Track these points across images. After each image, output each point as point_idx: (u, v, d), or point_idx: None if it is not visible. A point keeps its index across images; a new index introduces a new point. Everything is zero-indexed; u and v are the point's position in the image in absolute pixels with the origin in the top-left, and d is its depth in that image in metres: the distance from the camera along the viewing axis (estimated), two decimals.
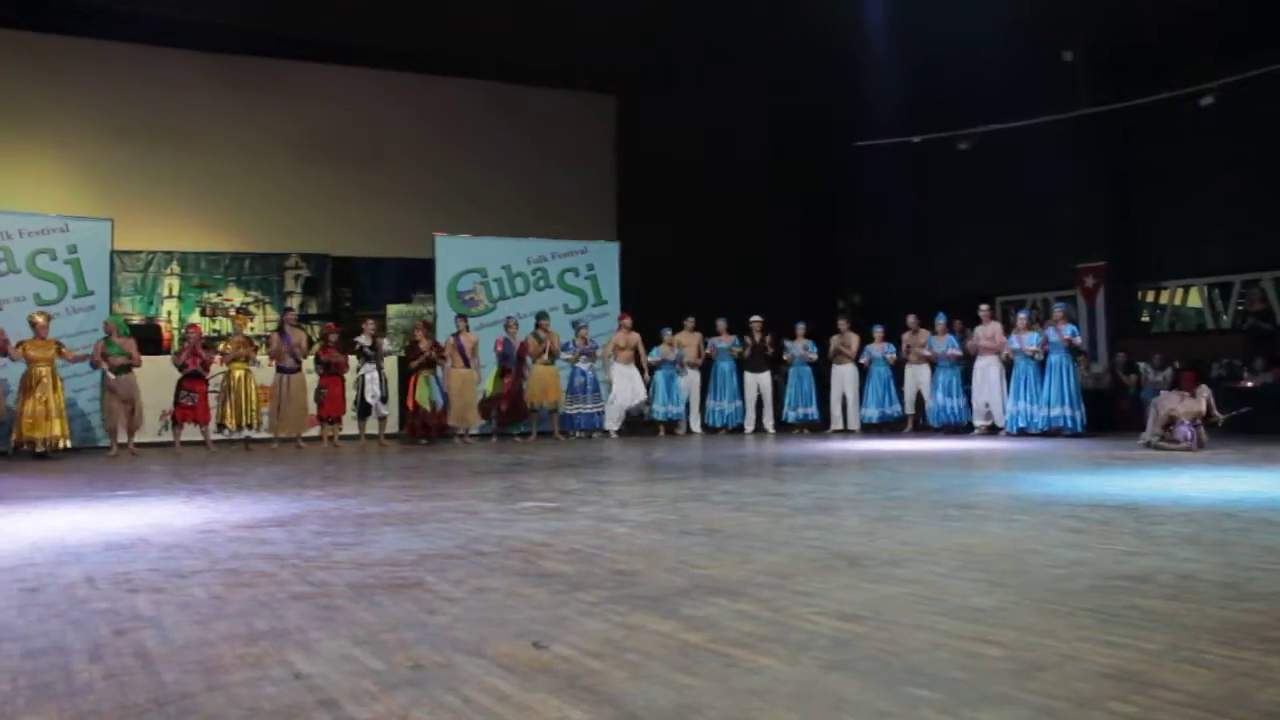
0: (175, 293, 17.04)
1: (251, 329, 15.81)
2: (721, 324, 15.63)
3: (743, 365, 15.50)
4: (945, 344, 14.43)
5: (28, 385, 11.87)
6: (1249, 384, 13.91)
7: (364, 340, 13.88)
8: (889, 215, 19.65)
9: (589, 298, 16.37)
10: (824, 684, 2.73)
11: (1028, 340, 13.42)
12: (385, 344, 14.23)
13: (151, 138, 16.65)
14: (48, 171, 16.38)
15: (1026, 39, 16.05)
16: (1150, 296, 17.78)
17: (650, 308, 15.43)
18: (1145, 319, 17.92)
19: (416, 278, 17.54)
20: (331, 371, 13.47)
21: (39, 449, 11.84)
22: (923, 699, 2.58)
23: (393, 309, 18.36)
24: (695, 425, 15.56)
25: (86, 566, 4.66)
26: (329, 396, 13.40)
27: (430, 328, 14.50)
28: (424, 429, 13.65)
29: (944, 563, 4.44)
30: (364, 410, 13.63)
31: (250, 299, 17.30)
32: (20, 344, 11.96)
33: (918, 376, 14.85)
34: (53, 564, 4.75)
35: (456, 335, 14.20)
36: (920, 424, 14.90)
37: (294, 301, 17.32)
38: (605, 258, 16.67)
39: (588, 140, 20.17)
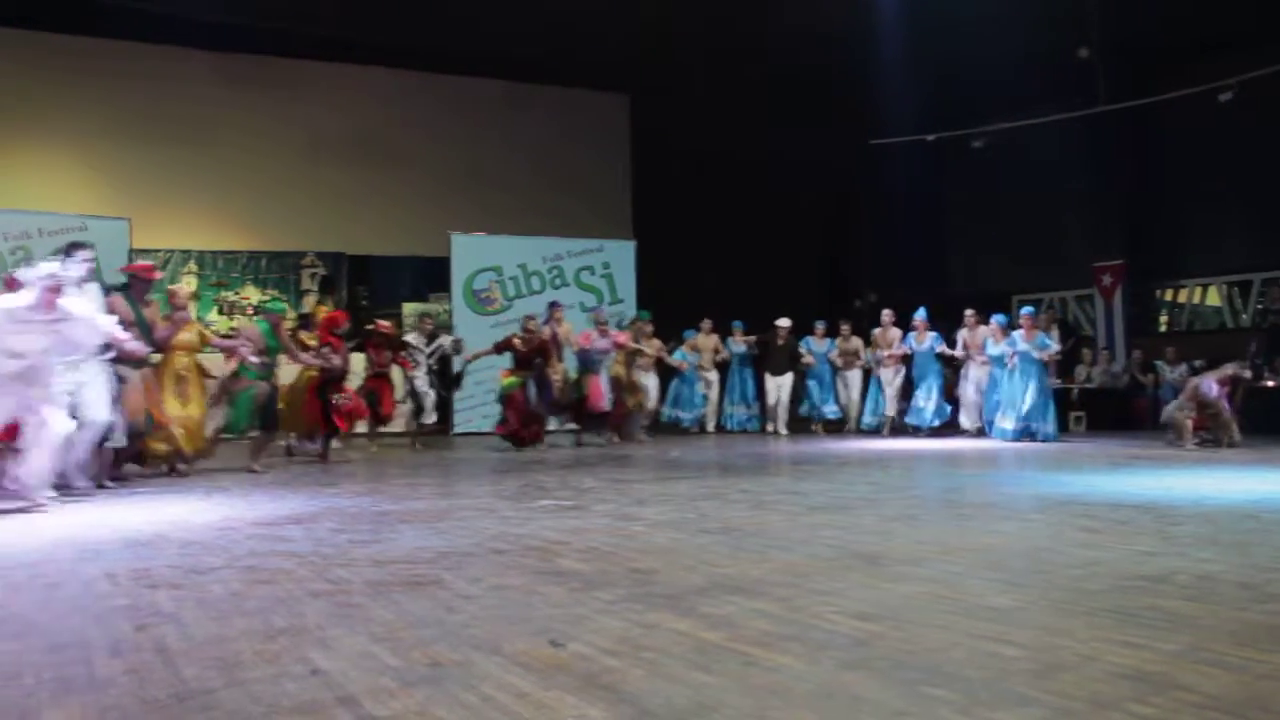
0: (193, 291, 17.12)
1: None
2: (739, 328, 15.48)
3: (762, 367, 15.35)
4: (929, 342, 13.82)
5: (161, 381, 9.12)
6: (1270, 384, 13.83)
7: (416, 339, 13.07)
8: (905, 214, 19.60)
9: (605, 296, 16.38)
10: (841, 683, 2.73)
11: (1007, 343, 12.91)
12: (450, 342, 13.37)
13: (169, 137, 16.71)
14: (66, 171, 16.47)
15: (1043, 36, 15.98)
16: (1169, 295, 17.70)
17: (666, 306, 15.43)
18: (1164, 318, 17.84)
19: (433, 276, 17.57)
20: (379, 372, 12.20)
21: (179, 467, 9.27)
22: (940, 698, 2.57)
23: (409, 307, 18.41)
24: (710, 425, 15.47)
25: (107, 563, 4.69)
26: (383, 397, 12.09)
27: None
28: (526, 433, 12.20)
29: (961, 562, 4.43)
30: (417, 409, 12.87)
31: (267, 297, 17.36)
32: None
33: (886, 377, 14.31)
34: (74, 560, 4.79)
35: (549, 324, 12.76)
36: (895, 425, 14.32)
37: (310, 300, 17.37)
38: (621, 256, 16.69)
39: (603, 138, 20.17)
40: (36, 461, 6.83)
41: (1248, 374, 11.57)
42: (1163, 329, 17.63)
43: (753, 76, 18.15)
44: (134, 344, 7.95)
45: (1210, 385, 11.23)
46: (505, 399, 12.31)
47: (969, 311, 13.67)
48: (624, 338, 13.58)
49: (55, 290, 6.91)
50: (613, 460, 10.38)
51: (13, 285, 7.70)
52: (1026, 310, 13.44)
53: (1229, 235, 16.45)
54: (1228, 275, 16.72)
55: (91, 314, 7.36)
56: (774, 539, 5.14)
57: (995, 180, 18.63)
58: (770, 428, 15.14)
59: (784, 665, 2.89)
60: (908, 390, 14.37)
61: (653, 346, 14.15)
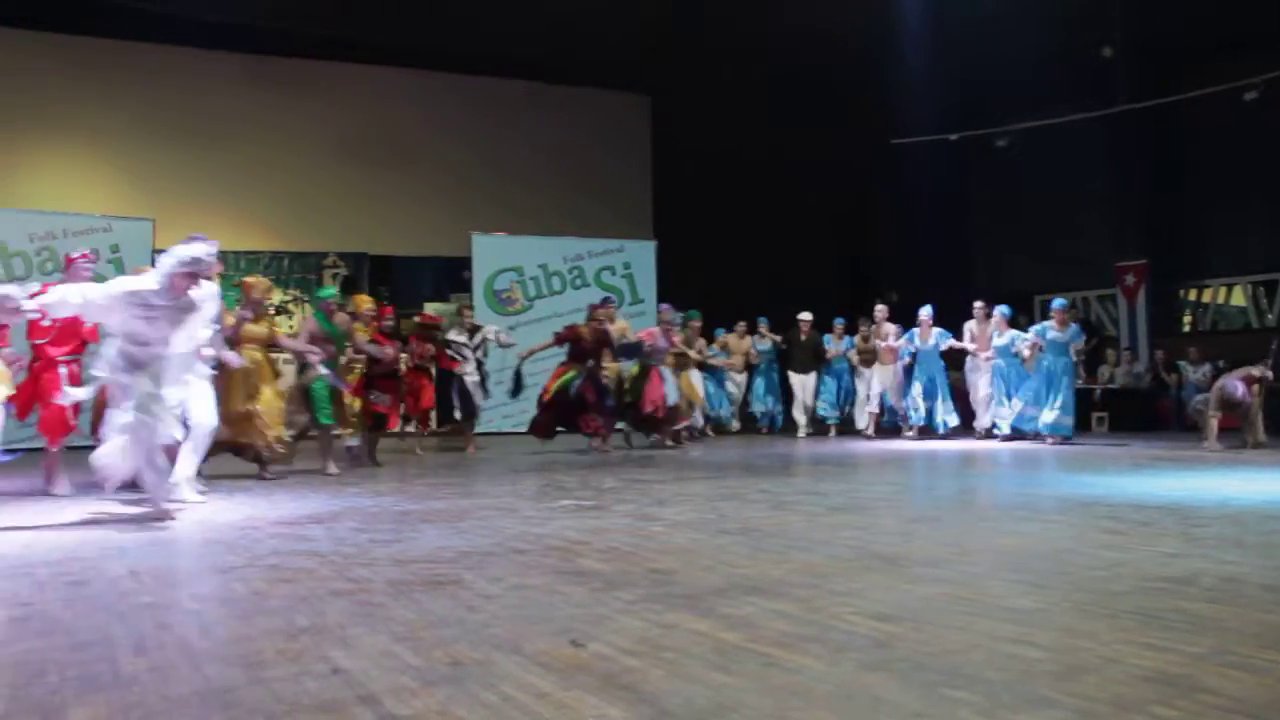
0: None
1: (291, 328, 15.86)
2: (764, 325, 15.37)
3: (785, 364, 15.15)
4: (934, 339, 13.34)
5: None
6: None
7: (458, 335, 12.27)
8: (927, 214, 19.53)
9: (626, 296, 16.38)
10: (861, 684, 2.72)
11: (1035, 332, 12.57)
12: (503, 336, 12.59)
13: (192, 139, 16.83)
14: (91, 172, 16.60)
15: (1065, 35, 15.90)
16: (1193, 295, 17.58)
17: (687, 306, 15.41)
18: (1187, 317, 17.72)
19: (455, 277, 17.61)
20: (418, 365, 11.66)
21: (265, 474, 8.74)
22: (961, 700, 2.57)
23: (430, 307, 18.46)
24: (735, 424, 15.37)
25: (130, 561, 4.72)
26: (422, 394, 11.65)
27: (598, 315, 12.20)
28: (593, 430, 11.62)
29: (982, 563, 4.42)
30: (468, 410, 12.09)
31: (289, 297, 17.44)
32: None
33: (878, 376, 13.86)
34: (97, 558, 4.82)
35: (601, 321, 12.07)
36: (881, 426, 13.95)
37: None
38: (642, 256, 16.69)
39: (624, 139, 20.19)
40: (180, 462, 6.56)
41: (1270, 375, 11.46)
42: (1186, 329, 17.52)
43: (774, 76, 18.14)
44: (230, 354, 7.83)
45: (1236, 384, 11.16)
46: (559, 393, 11.48)
47: (978, 304, 13.39)
48: (678, 339, 13.28)
49: (189, 276, 6.35)
50: (633, 461, 10.37)
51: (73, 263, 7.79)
52: (1058, 303, 12.91)
53: (1253, 235, 16.33)
54: (1252, 275, 16.60)
55: (218, 310, 6.94)
56: (793, 539, 5.13)
57: (1017, 180, 18.55)
58: (801, 431, 14.73)
59: (804, 666, 2.88)
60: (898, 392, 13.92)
61: (696, 348, 13.99)
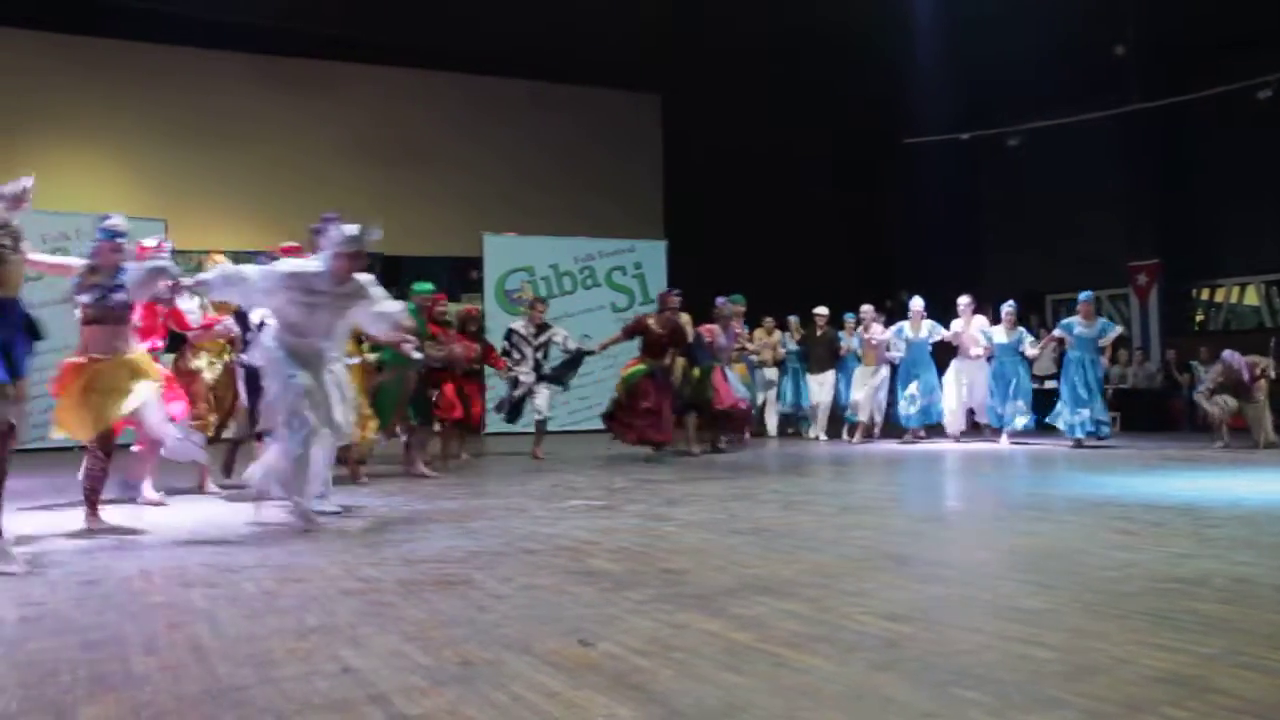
0: None
1: None
2: (794, 322, 14.67)
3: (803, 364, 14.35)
4: (925, 333, 12.64)
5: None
6: None
7: (523, 328, 10.97)
8: (938, 213, 19.48)
9: (636, 296, 16.38)
10: (872, 684, 2.72)
11: (1061, 328, 12.04)
12: (570, 341, 10.99)
13: (204, 139, 16.87)
14: (102, 173, 16.65)
15: (1078, 34, 15.85)
16: (1205, 294, 17.51)
17: (699, 307, 15.39)
18: (1199, 316, 17.65)
19: (466, 277, 17.62)
20: (469, 369, 10.24)
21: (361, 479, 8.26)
22: (971, 700, 2.56)
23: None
24: (773, 428, 14.58)
25: (142, 561, 4.74)
26: (474, 397, 10.27)
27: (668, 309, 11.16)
28: (656, 433, 10.57)
29: (993, 564, 4.41)
30: (515, 413, 10.91)
31: None
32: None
33: (864, 376, 13.05)
34: (110, 557, 4.84)
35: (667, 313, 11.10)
36: (869, 429, 13.11)
37: None
38: (653, 256, 16.68)
39: (635, 138, 20.19)
40: (275, 461, 5.76)
41: (1273, 373, 11.40)
42: (1197, 328, 17.45)
43: (784, 75, 18.11)
44: (409, 345, 7.40)
45: (1236, 355, 11.19)
46: (632, 390, 10.51)
47: (963, 300, 12.69)
48: (740, 331, 12.54)
49: (352, 258, 5.85)
50: (643, 461, 10.35)
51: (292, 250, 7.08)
52: (1085, 295, 12.18)
53: (1267, 234, 16.25)
54: (1266, 274, 16.52)
55: (384, 296, 6.30)
56: (804, 540, 5.12)
57: (1029, 179, 18.49)
58: (817, 431, 13.88)
59: (814, 666, 2.88)
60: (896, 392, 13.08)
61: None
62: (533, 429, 11.03)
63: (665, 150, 20.43)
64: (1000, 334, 12.41)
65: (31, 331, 4.75)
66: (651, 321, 10.86)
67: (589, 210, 18.32)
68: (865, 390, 12.95)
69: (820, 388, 13.90)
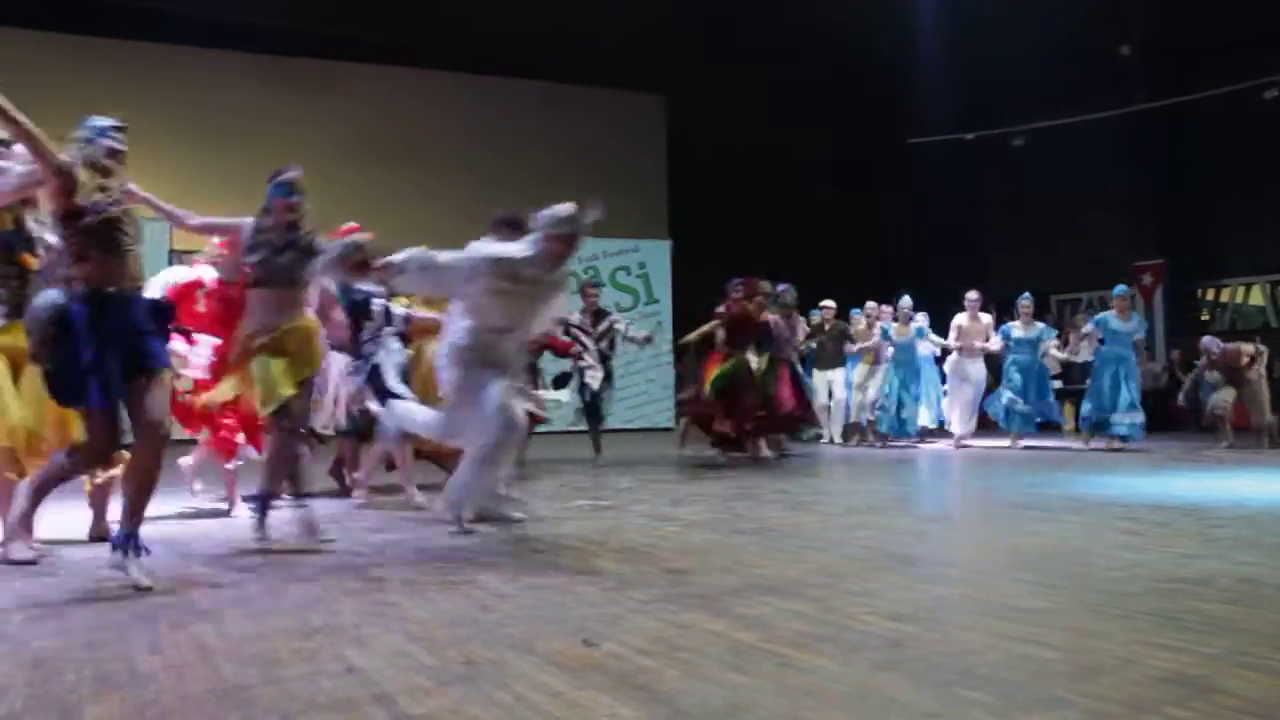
0: None
1: None
2: (830, 306, 13.30)
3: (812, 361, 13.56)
4: (912, 333, 12.22)
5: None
6: None
7: (580, 319, 10.19)
8: (942, 213, 19.48)
9: (641, 296, 16.39)
10: (876, 684, 2.71)
11: (1093, 323, 11.60)
12: (631, 329, 10.29)
13: (205, 138, 16.87)
14: None
15: (1083, 34, 15.85)
16: (1210, 294, 17.48)
17: (703, 307, 15.37)
18: (1205, 316, 17.62)
19: None
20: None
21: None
22: (975, 701, 2.56)
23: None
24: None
25: (148, 560, 4.73)
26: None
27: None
28: (745, 434, 9.98)
29: (997, 564, 4.40)
30: (593, 412, 10.21)
31: None
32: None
33: (855, 379, 12.56)
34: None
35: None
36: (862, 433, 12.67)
37: None
38: (657, 256, 16.69)
39: (639, 138, 20.18)
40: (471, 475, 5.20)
41: (1266, 357, 11.41)
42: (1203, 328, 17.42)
43: (789, 75, 18.12)
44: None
45: (1215, 341, 11.38)
46: (725, 387, 9.70)
47: (971, 295, 12.22)
48: (803, 326, 11.85)
49: (566, 242, 5.24)
50: (647, 461, 10.32)
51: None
52: (1120, 289, 11.68)
53: (1271, 234, 16.24)
54: (1271, 274, 16.50)
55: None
56: (809, 539, 5.12)
57: (1033, 179, 18.48)
58: (827, 435, 13.08)
59: (818, 666, 2.88)
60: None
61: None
62: (586, 428, 10.32)
63: (669, 150, 20.42)
64: (1018, 329, 11.90)
65: (162, 318, 4.40)
66: (752, 309, 10.00)
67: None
68: (870, 390, 12.49)
69: (828, 385, 13.03)
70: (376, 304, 7.05)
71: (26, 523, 4.63)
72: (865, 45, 16.61)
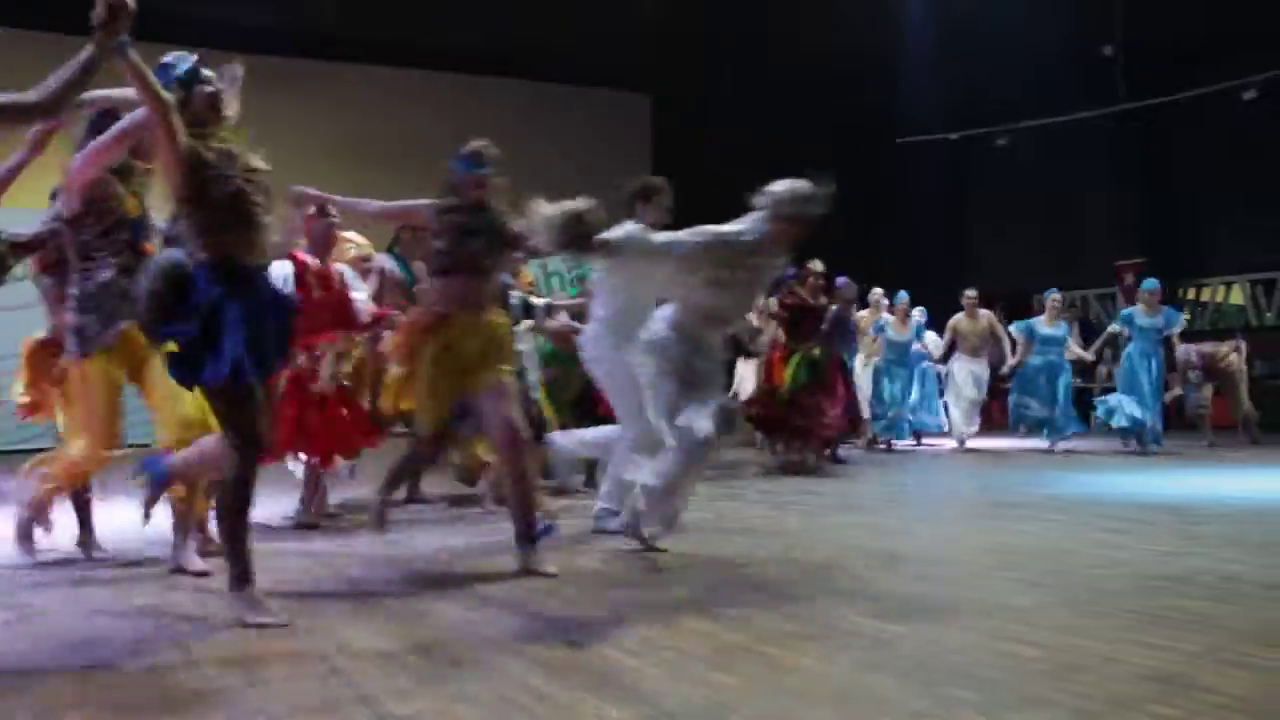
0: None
1: None
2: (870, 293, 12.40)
3: None
4: (911, 331, 11.55)
5: None
6: None
7: None
8: (926, 213, 19.52)
9: None
10: (861, 683, 2.72)
11: (1121, 319, 10.94)
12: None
13: None
14: None
15: (1066, 35, 15.91)
16: (1191, 294, 17.57)
17: None
18: (1186, 315, 17.70)
19: None
20: None
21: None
22: (961, 699, 2.57)
23: None
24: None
25: (129, 562, 4.71)
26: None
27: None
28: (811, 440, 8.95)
29: (982, 562, 4.42)
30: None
31: None
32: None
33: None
34: (95, 560, 4.81)
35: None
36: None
37: None
38: None
39: (625, 139, 20.18)
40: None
41: (1243, 351, 11.47)
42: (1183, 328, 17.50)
43: (775, 76, 18.13)
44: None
45: (1190, 349, 11.38)
46: (807, 381, 8.72)
47: (969, 293, 11.69)
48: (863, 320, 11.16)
49: (798, 224, 4.65)
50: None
51: None
52: (1151, 283, 11.05)
53: (1251, 234, 16.32)
54: (1251, 274, 16.60)
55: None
56: (793, 539, 5.13)
57: (1017, 179, 18.54)
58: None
59: (804, 665, 2.88)
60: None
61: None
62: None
63: (655, 151, 20.43)
64: (1044, 325, 11.14)
65: (282, 310, 3.69)
66: (805, 293, 9.08)
67: None
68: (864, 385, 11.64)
69: None
70: (514, 296, 6.26)
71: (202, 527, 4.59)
72: (851, 46, 16.63)
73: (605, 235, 4.39)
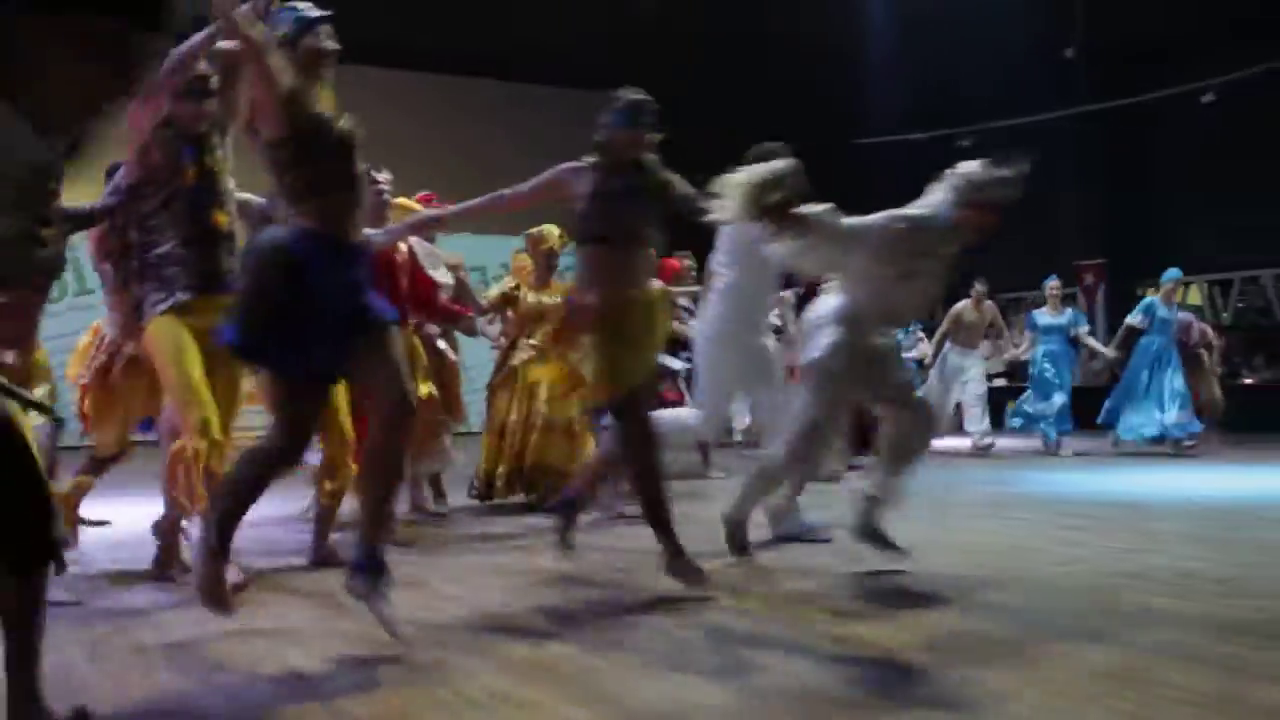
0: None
1: None
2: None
3: None
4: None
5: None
6: (1249, 381, 13.92)
7: (687, 302, 8.53)
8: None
9: None
10: (821, 682, 2.72)
11: (1141, 311, 10.63)
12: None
13: None
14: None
15: (1028, 36, 16.05)
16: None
17: None
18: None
19: None
20: None
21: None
22: (920, 697, 2.58)
23: None
24: None
25: (85, 563, 4.64)
26: None
27: None
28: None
29: (942, 560, 4.44)
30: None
31: None
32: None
33: None
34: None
35: None
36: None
37: None
38: None
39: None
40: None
41: (1215, 342, 11.64)
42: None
43: (741, 76, 18.19)
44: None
45: (1190, 316, 11.55)
46: None
47: (978, 286, 11.18)
48: None
49: (989, 211, 4.39)
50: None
51: None
52: (1172, 273, 10.73)
53: (1209, 235, 16.53)
54: (1208, 274, 16.81)
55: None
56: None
57: None
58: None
59: (765, 664, 2.89)
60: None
61: None
62: None
63: None
64: (1047, 314, 10.85)
65: (379, 315, 3.24)
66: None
67: (549, 210, 18.22)
68: None
69: None
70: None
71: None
72: (813, 46, 16.71)
73: (803, 209, 3.97)
